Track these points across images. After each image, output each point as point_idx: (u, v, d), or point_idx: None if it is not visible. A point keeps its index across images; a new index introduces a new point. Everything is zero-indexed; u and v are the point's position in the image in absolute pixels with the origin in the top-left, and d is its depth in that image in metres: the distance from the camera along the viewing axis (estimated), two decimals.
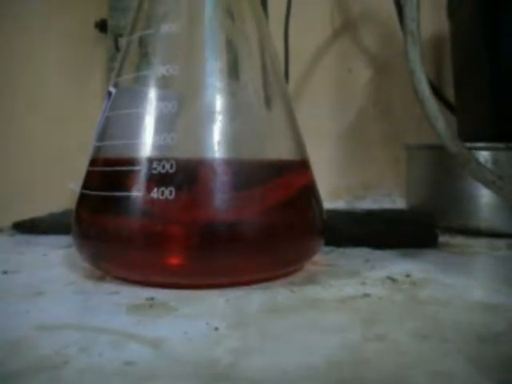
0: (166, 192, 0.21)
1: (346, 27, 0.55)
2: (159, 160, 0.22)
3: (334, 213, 0.38)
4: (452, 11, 0.46)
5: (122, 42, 0.26)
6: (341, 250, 0.31)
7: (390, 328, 0.18)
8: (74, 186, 0.60)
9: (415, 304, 0.21)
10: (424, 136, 0.42)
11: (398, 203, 0.51)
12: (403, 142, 0.46)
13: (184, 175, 0.22)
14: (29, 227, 0.39)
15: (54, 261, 0.29)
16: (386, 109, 0.54)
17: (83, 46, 0.61)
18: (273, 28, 0.43)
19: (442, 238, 0.34)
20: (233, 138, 0.23)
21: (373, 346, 0.16)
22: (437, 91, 0.48)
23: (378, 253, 0.31)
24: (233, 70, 0.26)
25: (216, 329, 0.18)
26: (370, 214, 0.38)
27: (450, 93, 0.50)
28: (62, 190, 0.58)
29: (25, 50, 0.62)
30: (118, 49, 0.56)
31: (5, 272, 0.26)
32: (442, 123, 0.29)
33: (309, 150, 0.27)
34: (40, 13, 0.62)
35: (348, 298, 0.22)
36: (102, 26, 0.59)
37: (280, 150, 0.26)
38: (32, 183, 0.62)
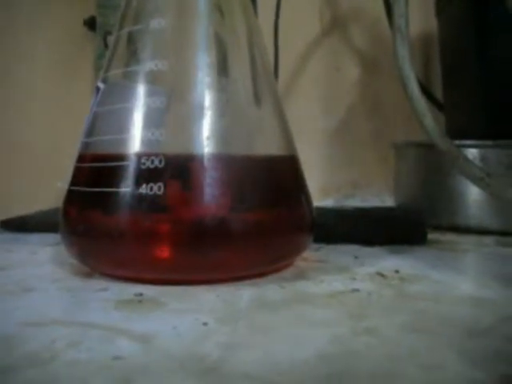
0: (155, 187, 0.21)
1: (335, 25, 0.55)
2: (148, 155, 0.22)
3: (323, 210, 0.38)
4: (440, 9, 0.46)
5: (111, 38, 0.26)
6: (330, 246, 0.31)
7: (379, 322, 0.18)
8: (63, 184, 0.59)
9: (404, 299, 0.21)
10: (413, 134, 0.42)
11: (387, 202, 0.51)
12: (392, 140, 0.47)
13: (173, 170, 0.22)
14: (17, 225, 0.39)
15: (42, 258, 0.29)
16: (374, 107, 0.54)
17: (72, 44, 0.60)
18: (262, 25, 0.43)
19: (431, 236, 0.34)
20: (222, 133, 0.23)
21: (362, 340, 0.16)
22: (425, 89, 0.48)
23: (367, 249, 0.31)
24: (222, 67, 0.26)
25: (205, 324, 0.18)
26: (359, 212, 0.38)
27: (438, 91, 0.50)
28: (51, 188, 0.57)
29: (13, 48, 0.62)
30: (107, 46, 0.56)
31: None
32: (430, 120, 0.29)
33: (298, 148, 0.27)
34: (28, 11, 0.62)
35: (337, 293, 0.22)
36: (90, 23, 0.59)
37: (269, 146, 0.26)
38: (20, 181, 0.61)
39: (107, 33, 0.55)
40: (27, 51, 0.62)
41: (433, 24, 0.49)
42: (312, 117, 0.54)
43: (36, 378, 0.13)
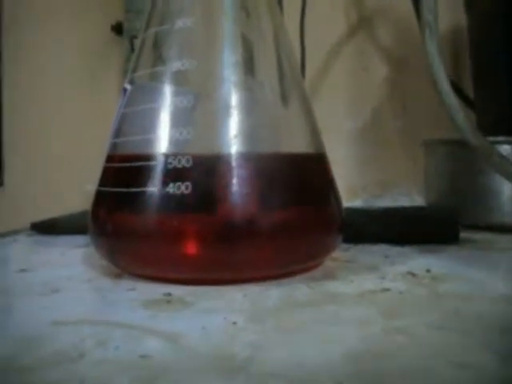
0: (183, 187, 0.21)
1: (362, 24, 0.55)
2: (175, 155, 0.22)
3: (352, 210, 0.38)
4: (470, 4, 0.45)
5: (139, 38, 0.26)
6: (359, 246, 0.31)
7: (410, 321, 0.18)
8: (92, 187, 0.60)
9: (436, 298, 0.20)
10: (442, 133, 0.42)
11: (417, 201, 0.50)
12: (420, 139, 0.46)
13: (200, 170, 0.22)
14: (46, 228, 0.39)
15: (72, 259, 0.29)
16: (402, 106, 0.53)
17: (100, 49, 0.61)
18: (288, 25, 0.43)
19: (464, 234, 0.33)
20: (249, 132, 0.23)
21: (393, 339, 0.16)
22: (455, 85, 0.47)
23: (397, 249, 0.30)
24: (248, 67, 0.26)
25: (234, 323, 0.17)
26: (388, 211, 0.38)
27: (468, 88, 0.49)
28: (80, 191, 0.58)
29: (41, 53, 0.63)
30: (133, 50, 0.56)
31: (23, 270, 0.26)
32: (461, 116, 0.28)
33: (326, 148, 0.27)
34: (58, 17, 0.63)
35: (367, 292, 0.21)
36: (118, 28, 0.60)
37: (297, 144, 0.25)
38: (50, 185, 0.62)
39: (134, 37, 0.56)
40: (55, 56, 0.63)
41: (462, 19, 0.48)
42: (340, 116, 0.54)
43: (64, 377, 0.13)
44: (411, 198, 0.51)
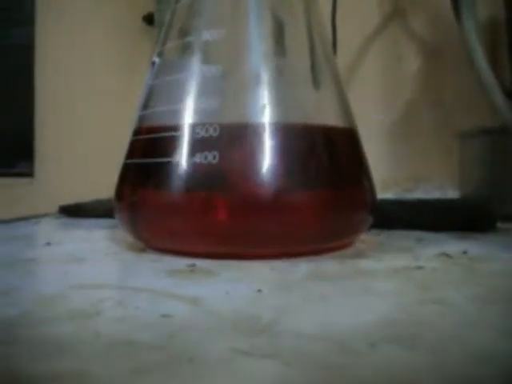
0: (210, 156, 0.21)
1: (395, 13, 0.54)
2: (202, 124, 0.21)
3: (384, 200, 0.37)
4: None
5: (170, 10, 0.26)
6: (391, 232, 0.30)
7: (447, 293, 0.17)
8: None
9: (473, 275, 0.19)
10: (477, 125, 0.40)
11: (451, 195, 0.49)
12: (455, 131, 0.44)
13: (228, 139, 0.21)
14: (74, 211, 0.39)
15: (97, 237, 0.29)
16: (437, 97, 0.52)
17: (132, 38, 0.61)
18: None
19: (501, 224, 0.32)
20: (279, 104, 0.22)
21: (429, 308, 0.15)
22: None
23: (431, 234, 0.29)
24: (280, 46, 0.25)
25: (259, 291, 0.17)
26: (422, 201, 0.36)
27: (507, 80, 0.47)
28: (109, 180, 0.58)
29: (74, 43, 0.63)
30: None
31: (48, 243, 0.26)
32: (499, 94, 0.27)
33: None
34: (92, 6, 0.63)
35: (401, 269, 0.20)
36: (149, 19, 0.60)
37: (329, 120, 0.25)
38: (80, 175, 0.63)
39: None
40: (88, 46, 0.63)
41: (499, 10, 0.47)
42: (373, 108, 0.53)
43: (78, 330, 0.13)
44: (444, 191, 0.50)
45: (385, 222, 0.30)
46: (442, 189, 0.50)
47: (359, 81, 0.54)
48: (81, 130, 0.64)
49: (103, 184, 0.59)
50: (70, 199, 0.51)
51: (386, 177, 0.52)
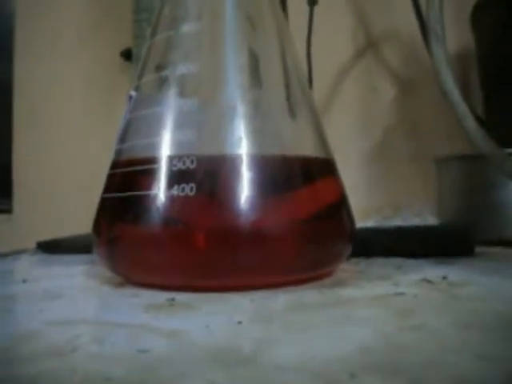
0: (187, 188, 0.21)
1: (370, 45, 0.55)
2: (179, 156, 0.21)
3: (364, 228, 0.37)
4: (476, 20, 0.45)
5: (145, 45, 0.26)
6: (371, 260, 0.30)
7: (427, 319, 0.17)
8: None
9: (454, 300, 0.19)
10: (453, 151, 0.41)
11: (430, 221, 0.49)
12: (432, 158, 0.45)
13: (205, 171, 0.21)
14: (51, 247, 0.39)
15: (75, 272, 0.28)
16: (412, 126, 0.53)
17: (109, 74, 0.62)
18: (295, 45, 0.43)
19: (479, 249, 0.32)
20: (255, 135, 0.22)
21: (409, 335, 0.15)
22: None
23: (410, 261, 0.29)
24: (255, 77, 0.25)
25: (239, 322, 0.16)
26: (400, 228, 0.37)
27: (477, 106, 0.48)
28: (87, 216, 0.58)
29: (53, 78, 0.64)
30: None
31: (24, 280, 0.25)
32: (472, 122, 0.28)
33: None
34: (68, 43, 0.64)
35: (381, 296, 0.20)
36: (127, 54, 0.60)
37: (305, 149, 0.25)
38: (57, 210, 0.62)
39: None
40: (65, 81, 0.63)
41: (469, 43, 0.48)
42: (349, 137, 0.54)
43: (54, 368, 0.12)
44: (424, 218, 0.50)
45: (364, 250, 0.30)
46: (422, 215, 0.51)
47: (336, 110, 0.54)
48: (59, 166, 0.63)
49: (81, 219, 0.59)
50: (48, 234, 0.50)
51: (365, 204, 0.53)
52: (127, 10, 0.58)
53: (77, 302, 0.21)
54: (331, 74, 0.55)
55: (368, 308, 0.18)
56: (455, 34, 0.49)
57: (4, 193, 0.69)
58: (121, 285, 0.23)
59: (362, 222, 0.49)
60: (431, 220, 0.48)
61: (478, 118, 0.47)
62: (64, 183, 0.63)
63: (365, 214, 0.52)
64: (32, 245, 0.48)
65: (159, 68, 0.25)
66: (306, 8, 0.49)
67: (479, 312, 0.17)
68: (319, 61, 0.51)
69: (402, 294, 0.20)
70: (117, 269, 0.23)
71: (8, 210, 0.69)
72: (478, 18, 0.45)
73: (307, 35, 0.49)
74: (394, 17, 0.54)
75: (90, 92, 0.63)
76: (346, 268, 0.27)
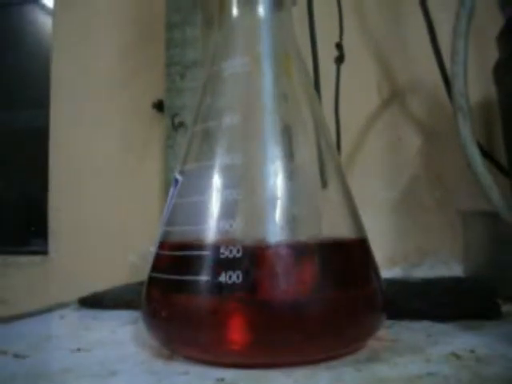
0: (234, 276, 0.23)
1: (394, 97, 0.57)
2: (226, 245, 0.23)
3: (392, 283, 0.38)
4: (499, 77, 0.47)
5: (188, 132, 0.28)
6: (402, 323, 0.31)
7: None
8: (133, 257, 0.62)
9: (483, 382, 0.21)
10: (478, 200, 0.42)
11: (455, 270, 0.50)
12: (457, 207, 0.47)
13: (250, 260, 0.23)
14: (93, 303, 0.41)
15: (123, 338, 0.30)
16: (437, 176, 0.55)
17: (142, 125, 0.64)
18: (323, 101, 0.45)
19: (504, 307, 0.33)
20: (294, 221, 0.24)
21: None
22: (489, 156, 0.48)
23: (439, 326, 0.31)
24: (288, 151, 0.27)
25: None
26: (427, 284, 0.38)
27: (502, 154, 0.50)
28: (120, 264, 0.60)
29: (86, 130, 0.67)
30: (174, 127, 0.59)
31: (78, 350, 0.27)
32: (496, 194, 0.29)
33: (363, 218, 0.28)
34: (100, 95, 0.67)
35: (414, 377, 0.22)
36: (158, 106, 0.63)
37: (339, 228, 0.27)
38: (93, 254, 0.64)
39: (174, 115, 0.59)
40: (98, 132, 0.66)
41: (492, 88, 0.50)
42: (376, 187, 0.55)
43: None
44: (449, 266, 0.51)
45: (396, 314, 0.31)
46: (447, 263, 0.52)
47: (363, 161, 0.56)
48: (95, 215, 0.66)
49: (116, 263, 0.61)
50: (83, 280, 0.52)
51: (392, 252, 0.54)
52: (160, 62, 0.61)
53: (133, 380, 0.23)
54: (357, 125, 0.57)
55: None
56: (480, 81, 0.51)
57: (40, 235, 0.72)
58: (169, 357, 0.25)
59: (388, 269, 0.51)
60: (456, 268, 0.50)
61: (501, 168, 0.48)
62: (99, 228, 0.66)
63: (391, 261, 0.53)
64: (67, 286, 0.51)
65: (201, 157, 0.27)
66: (334, 66, 0.51)
67: None
68: (346, 114, 0.53)
69: (433, 374, 0.22)
70: (168, 344, 0.25)
71: (43, 252, 0.72)
72: (499, 74, 0.46)
73: (335, 92, 0.51)
74: (418, 68, 0.56)
75: (124, 141, 0.66)
76: (379, 335, 0.28)
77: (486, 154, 0.47)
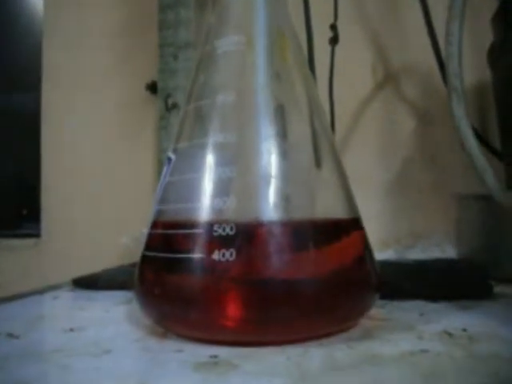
0: (227, 254, 0.23)
1: (388, 79, 0.57)
2: (220, 223, 0.23)
3: (385, 264, 0.38)
4: (494, 60, 0.47)
5: (181, 111, 0.28)
6: (395, 303, 0.32)
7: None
8: (126, 239, 0.62)
9: (475, 360, 0.21)
10: (472, 183, 0.42)
11: (448, 252, 0.51)
12: (451, 190, 0.47)
13: (244, 237, 0.23)
14: (87, 283, 0.41)
15: (116, 317, 0.30)
16: (431, 158, 0.55)
17: (135, 107, 0.64)
18: (318, 83, 0.45)
19: (497, 289, 0.34)
20: (287, 199, 0.24)
21: None
22: (483, 139, 0.48)
23: (432, 305, 0.31)
24: (282, 130, 0.27)
25: None
26: (421, 265, 0.38)
27: (495, 138, 0.50)
28: (115, 246, 0.60)
29: (81, 110, 0.66)
30: (167, 108, 0.59)
31: (71, 329, 0.27)
32: (490, 176, 0.29)
33: (357, 200, 0.28)
34: (94, 77, 0.66)
35: (407, 353, 0.22)
36: (152, 87, 0.63)
37: (332, 208, 0.27)
38: (86, 240, 0.64)
39: (167, 96, 0.58)
40: (92, 113, 0.66)
41: (486, 74, 0.50)
42: (370, 169, 0.55)
43: None
44: (442, 248, 0.52)
45: (389, 293, 0.32)
46: (440, 245, 0.52)
47: (356, 142, 0.56)
48: (87, 194, 0.66)
49: (109, 245, 0.61)
50: (75, 260, 0.52)
51: (386, 234, 0.54)
52: (153, 43, 0.60)
53: (127, 358, 0.23)
54: (352, 107, 0.57)
55: (396, 369, 0.20)
56: (475, 65, 0.51)
57: (32, 218, 0.72)
58: (163, 335, 0.25)
59: (382, 251, 0.51)
60: (450, 251, 0.50)
61: (495, 152, 0.49)
62: (91, 209, 0.66)
63: (385, 243, 0.53)
64: (59, 267, 0.51)
65: (195, 135, 0.27)
66: (328, 47, 0.51)
67: (499, 375, 0.19)
68: (340, 95, 0.53)
69: (426, 351, 0.22)
70: (162, 323, 0.25)
71: (36, 235, 0.72)
72: (494, 56, 0.46)
73: (329, 73, 0.51)
74: (412, 51, 0.56)
75: (116, 123, 0.65)
76: (372, 314, 0.28)
77: (481, 138, 0.47)
